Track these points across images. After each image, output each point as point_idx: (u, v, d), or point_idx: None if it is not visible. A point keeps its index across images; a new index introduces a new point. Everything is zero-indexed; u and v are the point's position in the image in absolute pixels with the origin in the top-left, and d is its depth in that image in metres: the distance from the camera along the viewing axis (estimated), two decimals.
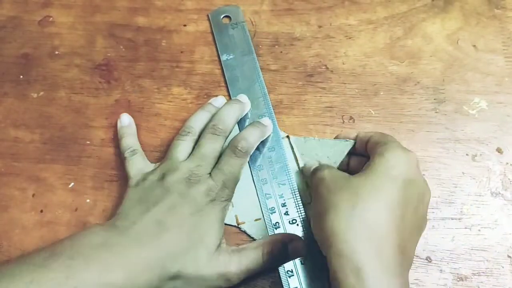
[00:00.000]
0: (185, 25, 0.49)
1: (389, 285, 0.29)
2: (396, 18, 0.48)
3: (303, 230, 0.38)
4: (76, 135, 0.44)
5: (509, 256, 0.38)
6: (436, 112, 0.44)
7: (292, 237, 0.38)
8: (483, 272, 0.38)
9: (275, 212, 0.39)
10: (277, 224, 0.39)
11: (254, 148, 0.40)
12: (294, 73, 0.46)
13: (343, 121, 0.43)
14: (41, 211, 0.41)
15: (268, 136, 0.42)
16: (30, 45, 0.48)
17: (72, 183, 0.42)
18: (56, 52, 0.48)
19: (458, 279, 0.38)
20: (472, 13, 0.48)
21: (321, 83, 0.45)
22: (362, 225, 0.30)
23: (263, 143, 0.42)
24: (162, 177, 0.38)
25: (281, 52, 0.47)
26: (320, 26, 0.48)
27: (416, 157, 0.34)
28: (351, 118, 0.44)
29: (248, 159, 0.40)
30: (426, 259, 0.38)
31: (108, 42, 0.48)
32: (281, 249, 0.37)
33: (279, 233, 0.39)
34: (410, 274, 0.37)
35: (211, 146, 0.39)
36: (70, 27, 0.49)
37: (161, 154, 0.43)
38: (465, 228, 0.39)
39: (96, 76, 0.47)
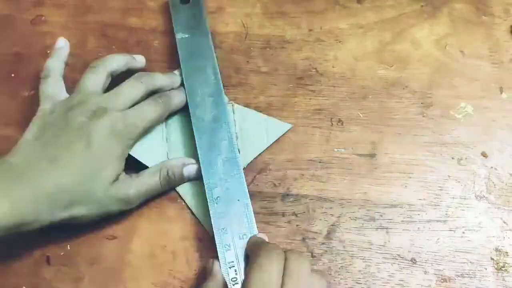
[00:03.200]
0: None
1: None
2: (385, 23, 0.49)
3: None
4: None
5: (492, 259, 0.39)
6: (423, 116, 0.44)
7: (187, 161, 0.41)
8: (467, 274, 0.38)
9: (217, 187, 0.39)
10: (218, 198, 0.39)
11: (176, 109, 0.42)
12: (285, 76, 0.46)
13: (332, 124, 0.44)
14: None
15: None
16: (22, 44, 0.48)
17: None
18: (48, 51, 0.48)
19: (442, 281, 0.38)
20: (460, 19, 0.49)
21: (311, 85, 0.46)
22: None
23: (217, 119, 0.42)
24: (68, 109, 0.38)
25: (272, 54, 0.47)
26: (310, 30, 0.49)
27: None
28: (339, 120, 0.44)
29: (165, 115, 0.41)
30: (411, 260, 0.39)
31: (100, 42, 0.48)
32: (176, 173, 0.40)
33: (175, 158, 0.41)
34: (394, 275, 0.38)
35: (130, 87, 0.40)
36: (63, 26, 0.49)
37: None
38: (450, 230, 0.40)
39: None
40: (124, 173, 0.38)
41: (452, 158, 0.43)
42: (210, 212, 0.38)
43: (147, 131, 0.40)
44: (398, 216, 0.40)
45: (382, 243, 0.40)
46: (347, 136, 0.44)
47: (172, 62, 0.47)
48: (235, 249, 0.36)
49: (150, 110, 0.40)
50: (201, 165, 0.40)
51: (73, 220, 0.36)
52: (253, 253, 0.34)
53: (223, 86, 0.45)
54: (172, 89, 0.43)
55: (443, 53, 0.47)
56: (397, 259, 0.39)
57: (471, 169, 0.42)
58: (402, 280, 0.38)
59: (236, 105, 0.44)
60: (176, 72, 0.45)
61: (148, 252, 0.39)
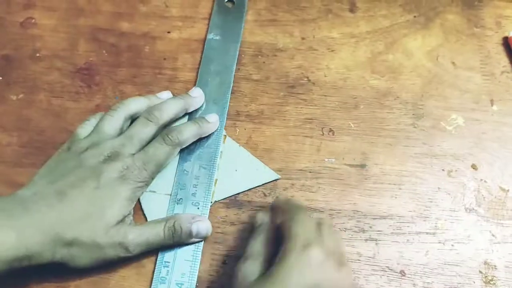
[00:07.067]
0: (169, 32, 0.49)
1: None
2: (378, 33, 0.49)
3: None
4: (55, 139, 0.44)
5: (480, 272, 0.39)
6: (414, 127, 0.44)
7: (197, 217, 0.39)
8: (455, 287, 0.38)
9: (184, 189, 0.41)
10: (180, 200, 0.40)
11: (188, 143, 0.41)
12: (276, 84, 0.46)
13: (323, 133, 0.44)
14: None
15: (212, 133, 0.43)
16: (11, 46, 0.48)
17: None
18: (38, 55, 0.47)
19: None
20: (452, 30, 0.49)
21: (302, 94, 0.46)
22: None
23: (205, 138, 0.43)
24: (84, 150, 0.38)
25: (264, 62, 0.47)
26: (303, 38, 0.48)
27: (319, 252, 0.32)
28: (330, 130, 0.44)
29: (177, 151, 0.41)
30: (400, 272, 0.39)
31: (90, 46, 0.48)
32: (183, 226, 0.38)
33: (186, 214, 0.40)
34: (383, 287, 0.38)
35: (140, 129, 0.40)
36: (53, 29, 0.49)
37: None
38: (439, 242, 0.40)
39: (77, 80, 0.46)
40: (132, 219, 0.38)
41: (442, 170, 0.43)
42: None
43: (160, 170, 0.40)
44: (388, 228, 0.40)
45: (371, 255, 0.39)
46: (337, 146, 0.43)
47: (162, 68, 0.47)
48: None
49: (157, 151, 0.39)
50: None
51: (71, 261, 0.36)
52: (285, 211, 0.35)
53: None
54: (191, 111, 0.44)
55: (434, 64, 0.47)
56: (386, 271, 0.39)
57: (461, 182, 0.42)
58: None
59: (228, 138, 0.43)
60: (192, 91, 0.44)
61: (135, 260, 0.39)
